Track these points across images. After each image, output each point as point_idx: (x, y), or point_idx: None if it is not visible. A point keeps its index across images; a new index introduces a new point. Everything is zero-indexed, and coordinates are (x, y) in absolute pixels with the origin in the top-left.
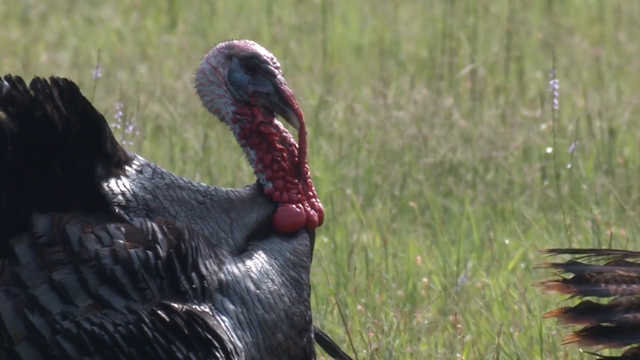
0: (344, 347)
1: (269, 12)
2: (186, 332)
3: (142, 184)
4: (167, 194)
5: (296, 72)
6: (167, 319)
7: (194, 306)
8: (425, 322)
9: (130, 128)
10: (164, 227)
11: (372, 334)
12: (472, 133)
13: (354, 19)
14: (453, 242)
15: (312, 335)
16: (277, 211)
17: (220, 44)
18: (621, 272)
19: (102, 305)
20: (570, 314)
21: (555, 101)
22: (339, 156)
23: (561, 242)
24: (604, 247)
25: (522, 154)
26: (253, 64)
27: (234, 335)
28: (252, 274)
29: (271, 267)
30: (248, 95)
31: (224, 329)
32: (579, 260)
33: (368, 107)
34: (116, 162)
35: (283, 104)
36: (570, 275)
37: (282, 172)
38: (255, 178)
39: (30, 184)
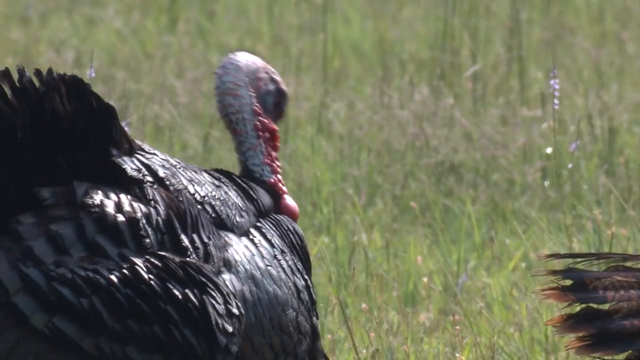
0: (345, 347)
1: (269, 12)
2: (181, 273)
3: (159, 163)
4: (185, 174)
5: (297, 72)
6: (160, 264)
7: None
8: (427, 322)
9: (127, 129)
10: (164, 194)
11: (374, 334)
12: (473, 133)
13: (355, 19)
14: (454, 242)
15: (317, 314)
16: (283, 200)
17: (256, 59)
18: (619, 278)
19: (96, 255)
20: (567, 322)
21: (556, 101)
22: (340, 156)
23: (562, 242)
24: (605, 246)
25: (523, 153)
26: (282, 104)
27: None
28: (263, 250)
29: (281, 243)
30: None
31: (221, 279)
32: (578, 265)
33: (369, 107)
34: (130, 148)
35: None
36: (568, 282)
37: (279, 167)
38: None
39: (40, 172)
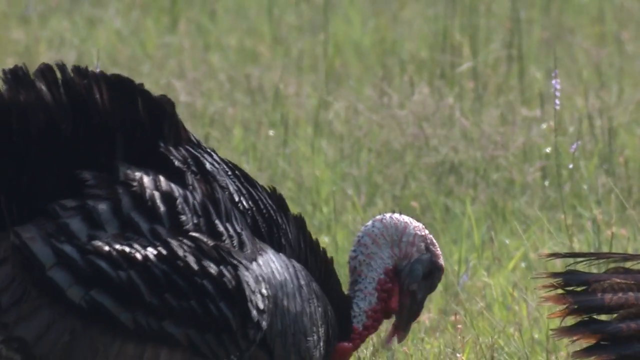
0: None
1: (269, 12)
2: (215, 253)
3: (209, 161)
4: (236, 183)
5: (297, 72)
6: (194, 244)
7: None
8: (427, 322)
9: None
10: (202, 185)
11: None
12: (473, 133)
13: (355, 19)
14: (454, 242)
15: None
16: (346, 344)
17: (420, 227)
18: (618, 280)
19: (131, 232)
20: (565, 326)
21: (557, 101)
22: (340, 156)
23: (562, 242)
24: (605, 246)
25: (522, 153)
26: (433, 276)
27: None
28: (299, 273)
29: (317, 289)
30: (403, 285)
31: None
32: (578, 265)
33: (369, 107)
34: (182, 141)
35: (410, 316)
36: (568, 284)
37: (373, 330)
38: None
39: (83, 163)
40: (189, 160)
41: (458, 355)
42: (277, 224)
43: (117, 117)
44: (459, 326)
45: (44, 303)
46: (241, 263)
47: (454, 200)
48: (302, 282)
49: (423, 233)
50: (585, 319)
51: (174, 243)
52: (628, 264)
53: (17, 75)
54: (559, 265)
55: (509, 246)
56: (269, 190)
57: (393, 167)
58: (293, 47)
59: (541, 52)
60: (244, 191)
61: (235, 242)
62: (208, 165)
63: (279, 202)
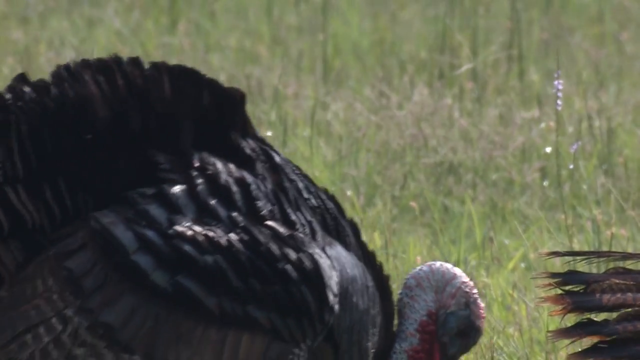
0: None
1: (269, 12)
2: (292, 240)
3: (277, 155)
4: (304, 183)
5: (297, 72)
6: (271, 231)
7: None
8: None
9: None
10: (272, 174)
11: None
12: (472, 133)
13: (354, 19)
14: (453, 242)
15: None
16: None
17: (468, 284)
18: (617, 281)
19: (208, 217)
20: (561, 328)
21: (559, 102)
22: (339, 156)
23: (561, 243)
24: (605, 247)
25: (522, 153)
26: (469, 335)
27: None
28: (365, 271)
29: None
30: (436, 338)
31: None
32: (578, 264)
33: (368, 107)
34: (249, 134)
35: None
36: (566, 285)
37: None
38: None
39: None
40: (258, 151)
41: None
42: (341, 225)
43: (182, 107)
44: None
45: (126, 288)
46: (316, 250)
47: (453, 201)
48: (369, 284)
49: (468, 290)
50: (584, 320)
51: (254, 229)
52: (628, 263)
53: (71, 71)
54: (558, 265)
55: (508, 246)
56: (329, 194)
57: (392, 168)
58: (292, 47)
59: (541, 52)
60: (312, 189)
61: (308, 231)
62: (276, 159)
63: (338, 206)
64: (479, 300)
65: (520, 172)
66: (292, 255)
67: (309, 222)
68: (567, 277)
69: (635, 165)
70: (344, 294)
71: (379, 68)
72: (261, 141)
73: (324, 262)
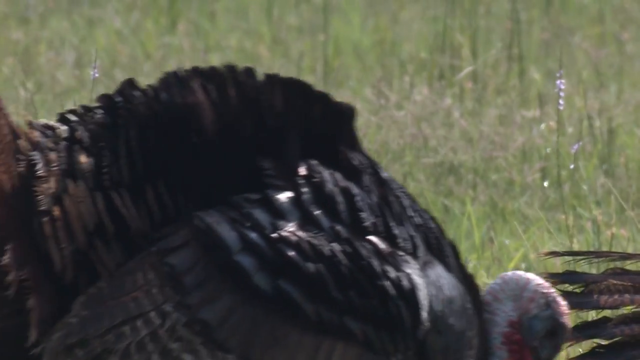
0: None
1: (269, 13)
2: (392, 256)
3: (383, 171)
4: (412, 206)
5: (297, 72)
6: (372, 246)
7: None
8: None
9: None
10: (378, 187)
11: None
12: (472, 133)
13: (355, 19)
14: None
15: None
16: None
17: (544, 285)
18: (615, 282)
19: (311, 226)
20: None
21: (561, 102)
22: None
23: (562, 243)
24: (605, 247)
25: (522, 154)
26: (557, 334)
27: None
28: (462, 291)
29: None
30: (525, 342)
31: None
32: (577, 266)
33: (368, 107)
34: (356, 149)
35: None
36: (565, 285)
37: None
38: None
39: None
40: (366, 164)
41: None
42: (442, 245)
43: (292, 118)
44: None
45: (226, 288)
46: (415, 269)
47: (453, 201)
48: (467, 306)
49: (545, 290)
50: (582, 323)
51: (356, 242)
52: (627, 263)
53: (180, 77)
54: (559, 265)
55: (508, 247)
56: (430, 215)
57: (392, 168)
58: (293, 47)
59: (541, 52)
60: (415, 207)
61: (409, 246)
62: (383, 174)
63: (439, 227)
64: (558, 298)
65: (520, 173)
66: (392, 272)
67: (412, 237)
68: (566, 277)
69: (635, 166)
70: (441, 314)
71: (379, 68)
72: (368, 157)
73: (420, 281)
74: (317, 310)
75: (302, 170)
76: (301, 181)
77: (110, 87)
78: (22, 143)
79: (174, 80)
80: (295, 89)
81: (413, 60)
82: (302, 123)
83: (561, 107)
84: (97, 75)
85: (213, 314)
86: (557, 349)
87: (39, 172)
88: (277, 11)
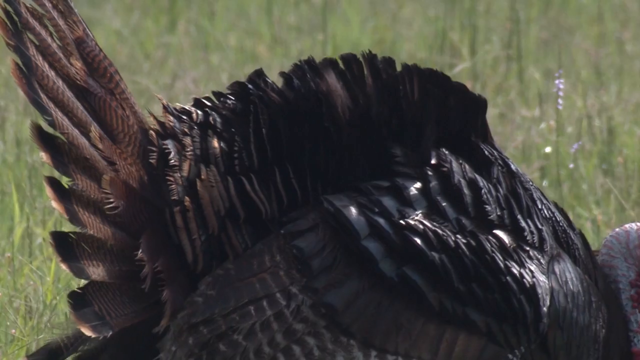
0: None
1: (269, 12)
2: (516, 251)
3: (513, 164)
4: (542, 201)
5: None
6: (496, 240)
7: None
8: None
9: None
10: (507, 178)
11: None
12: None
13: (354, 19)
14: None
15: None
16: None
17: None
18: None
19: (436, 216)
20: None
21: (560, 101)
22: None
23: None
24: None
25: (521, 153)
26: None
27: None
28: (591, 292)
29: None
30: None
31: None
32: None
33: None
34: (488, 141)
35: None
36: None
37: None
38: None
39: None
40: (496, 156)
41: None
42: (571, 238)
43: (427, 107)
44: None
45: (353, 272)
46: (540, 262)
47: None
48: (593, 299)
49: None
50: None
51: (481, 236)
52: None
53: (313, 65)
54: None
55: None
56: (558, 206)
57: None
58: (292, 47)
59: (540, 52)
60: (545, 200)
61: (536, 239)
62: (513, 167)
63: (567, 218)
64: None
65: None
66: (514, 267)
67: (539, 231)
68: None
69: (635, 166)
70: (563, 310)
71: None
72: (498, 149)
73: (542, 277)
74: (440, 300)
75: (432, 159)
76: (430, 171)
77: None
78: (152, 133)
79: (307, 67)
80: (433, 79)
81: (412, 59)
82: (437, 113)
83: (560, 107)
84: None
85: (338, 298)
86: None
87: (171, 161)
88: (277, 11)
